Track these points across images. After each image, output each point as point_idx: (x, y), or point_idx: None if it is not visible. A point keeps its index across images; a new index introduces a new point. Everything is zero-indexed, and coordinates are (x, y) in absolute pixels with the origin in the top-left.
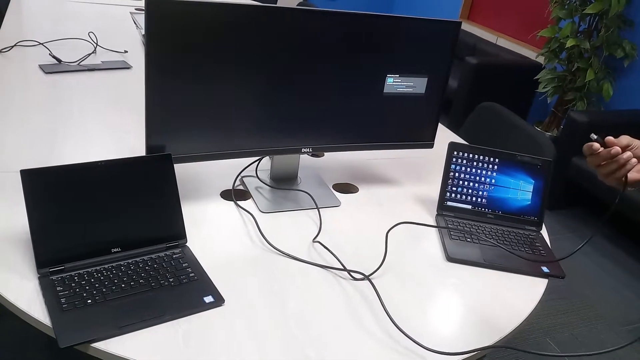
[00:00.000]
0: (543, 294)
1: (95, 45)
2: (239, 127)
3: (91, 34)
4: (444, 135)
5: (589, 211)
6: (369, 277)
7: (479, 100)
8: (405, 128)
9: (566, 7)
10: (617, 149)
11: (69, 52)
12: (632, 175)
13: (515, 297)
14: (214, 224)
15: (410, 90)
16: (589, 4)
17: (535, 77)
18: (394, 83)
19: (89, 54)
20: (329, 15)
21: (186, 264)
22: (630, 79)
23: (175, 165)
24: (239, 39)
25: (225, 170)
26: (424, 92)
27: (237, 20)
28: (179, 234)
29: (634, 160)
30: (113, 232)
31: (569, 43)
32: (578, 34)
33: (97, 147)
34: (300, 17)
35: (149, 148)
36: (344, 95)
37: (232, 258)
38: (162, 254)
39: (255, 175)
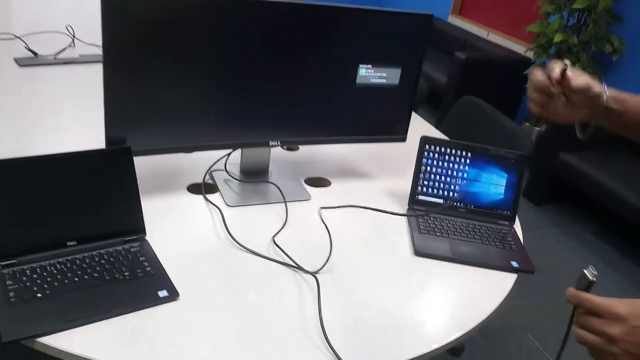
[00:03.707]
0: (511, 289)
1: (72, 38)
2: (203, 119)
3: (69, 27)
4: (423, 129)
5: (575, 206)
6: (315, 274)
7: (469, 95)
8: (378, 121)
9: (555, 2)
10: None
11: (46, 46)
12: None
13: (481, 292)
14: (179, 217)
15: (383, 81)
16: None
17: (525, 72)
18: (367, 74)
19: (66, 48)
20: (297, 6)
21: (143, 258)
22: (619, 74)
23: (142, 158)
24: (201, 30)
25: (195, 164)
26: (397, 83)
27: (198, 11)
28: (138, 228)
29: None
30: (69, 225)
31: (557, 38)
32: (566, 29)
33: (70, 141)
34: (266, 8)
35: (108, 140)
36: (315, 87)
37: (193, 252)
38: (119, 248)
39: (224, 169)
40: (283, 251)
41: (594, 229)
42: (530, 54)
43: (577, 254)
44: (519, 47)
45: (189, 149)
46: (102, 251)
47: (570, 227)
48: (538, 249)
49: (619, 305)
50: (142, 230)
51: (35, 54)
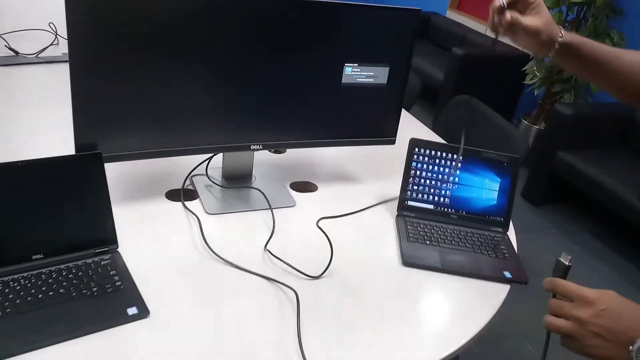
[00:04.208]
0: (504, 300)
1: (55, 35)
2: (180, 122)
3: (52, 25)
4: (414, 130)
5: (574, 206)
6: (295, 290)
7: (466, 92)
8: (365, 122)
9: None
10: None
11: (28, 44)
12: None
13: (473, 305)
14: (155, 227)
15: (371, 80)
16: None
17: (523, 69)
18: (353, 72)
19: (49, 46)
20: (276, 1)
21: (114, 272)
22: None
23: (118, 163)
24: (177, 27)
25: (175, 168)
26: (385, 82)
27: (173, 7)
28: (109, 239)
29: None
30: (35, 237)
31: None
32: (565, 24)
33: (48, 144)
34: (245, 3)
35: (78, 146)
36: (298, 87)
37: (169, 265)
38: (89, 261)
39: (205, 173)
40: (281, 260)
41: (592, 229)
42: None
43: (577, 256)
44: None
45: (164, 154)
46: (70, 265)
47: (568, 227)
48: (536, 251)
49: (589, 290)
50: (113, 241)
51: (16, 52)
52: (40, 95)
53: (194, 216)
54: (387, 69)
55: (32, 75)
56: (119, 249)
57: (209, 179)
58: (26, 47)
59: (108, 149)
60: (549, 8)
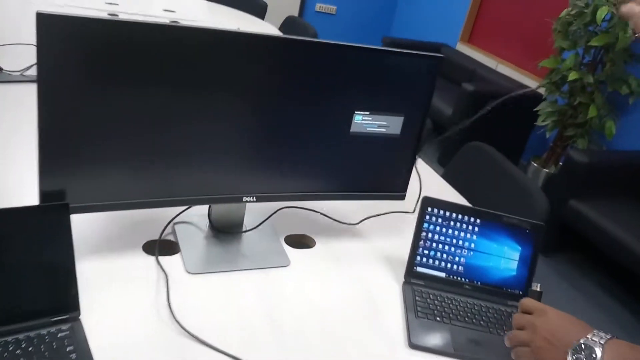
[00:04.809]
0: None
1: None
2: (162, 169)
3: None
4: (424, 179)
5: (585, 258)
6: None
7: (475, 128)
8: (373, 176)
9: (570, 37)
10: None
11: (12, 60)
12: None
13: None
14: (125, 289)
15: (382, 130)
16: (594, 35)
17: (535, 109)
18: (363, 121)
19: (35, 63)
20: (279, 41)
21: (71, 348)
22: (635, 117)
23: None
24: (159, 61)
25: (157, 214)
26: (399, 133)
27: (154, 42)
28: (71, 305)
29: None
30: None
31: (572, 76)
32: (581, 67)
33: (16, 179)
34: (242, 40)
35: (42, 194)
36: (299, 134)
37: (135, 338)
38: (43, 332)
39: (190, 222)
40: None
41: (603, 282)
42: (542, 90)
43: (587, 316)
44: (529, 81)
45: (142, 206)
46: (20, 336)
47: (579, 281)
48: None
49: (546, 305)
50: (75, 308)
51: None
52: (20, 117)
53: (166, 277)
54: (402, 118)
55: (17, 94)
56: (81, 317)
57: (195, 227)
58: (10, 63)
59: (78, 197)
60: (565, 50)
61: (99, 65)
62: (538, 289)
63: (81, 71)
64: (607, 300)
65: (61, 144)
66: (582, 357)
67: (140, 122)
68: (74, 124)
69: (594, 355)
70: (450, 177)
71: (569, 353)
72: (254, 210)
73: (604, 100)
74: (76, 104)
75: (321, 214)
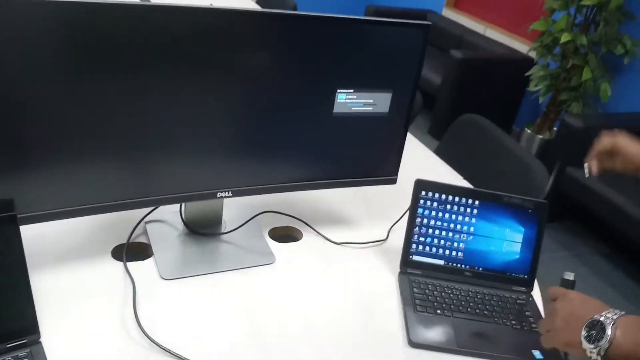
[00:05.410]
0: None
1: None
2: (125, 167)
3: None
4: (417, 158)
5: (583, 225)
6: None
7: (465, 97)
8: (361, 160)
9: None
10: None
11: None
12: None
13: None
14: (90, 302)
15: (369, 109)
16: None
17: (527, 74)
18: (347, 100)
19: None
20: (250, 15)
21: None
22: (631, 78)
23: None
24: (117, 42)
25: (128, 214)
26: (387, 111)
27: (115, 24)
28: (28, 328)
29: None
30: None
31: (564, 38)
32: (574, 28)
33: None
34: (208, 15)
35: None
36: (277, 119)
37: (103, 357)
38: None
39: (163, 220)
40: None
41: (603, 250)
42: (533, 54)
43: (589, 283)
44: (519, 45)
45: (104, 209)
46: None
47: (579, 249)
48: (546, 277)
49: (571, 290)
50: (33, 330)
51: None
52: None
53: (133, 285)
54: (390, 95)
55: None
56: (41, 339)
57: (168, 226)
58: None
59: (28, 206)
60: (555, 10)
61: (48, 50)
62: (572, 278)
63: (26, 56)
64: (609, 268)
65: (5, 144)
66: (594, 333)
67: (96, 113)
68: (20, 120)
69: (605, 332)
70: (444, 154)
71: (582, 329)
72: (233, 205)
73: (598, 61)
74: (20, 96)
75: (304, 222)
